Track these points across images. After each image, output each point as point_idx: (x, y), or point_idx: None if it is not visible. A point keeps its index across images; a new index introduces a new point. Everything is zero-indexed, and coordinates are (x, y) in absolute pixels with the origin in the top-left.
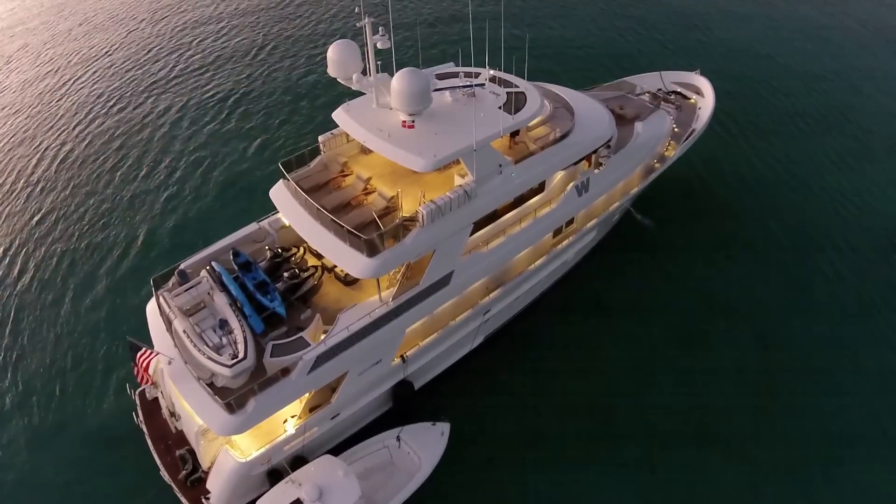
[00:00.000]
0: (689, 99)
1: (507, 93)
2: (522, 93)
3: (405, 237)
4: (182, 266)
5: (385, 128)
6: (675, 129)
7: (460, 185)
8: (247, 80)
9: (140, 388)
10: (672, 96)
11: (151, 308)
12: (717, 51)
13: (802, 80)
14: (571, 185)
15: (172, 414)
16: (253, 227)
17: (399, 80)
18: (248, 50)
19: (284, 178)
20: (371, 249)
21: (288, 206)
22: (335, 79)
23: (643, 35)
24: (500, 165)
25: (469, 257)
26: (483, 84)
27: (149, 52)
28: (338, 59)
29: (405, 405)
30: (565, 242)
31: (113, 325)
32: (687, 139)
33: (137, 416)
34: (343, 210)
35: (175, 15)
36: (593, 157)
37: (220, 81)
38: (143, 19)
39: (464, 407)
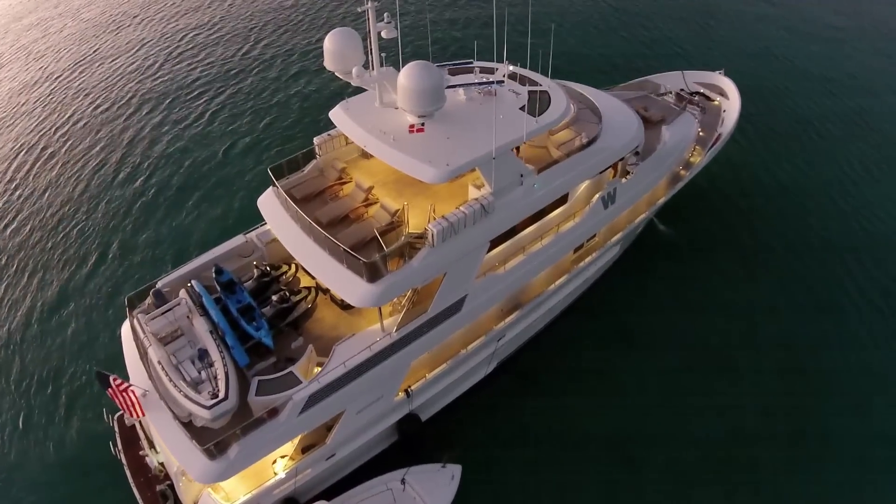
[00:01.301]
0: (713, 100)
1: (529, 92)
2: (546, 92)
3: (412, 259)
4: (159, 284)
5: (389, 130)
6: (700, 133)
7: (476, 199)
8: (235, 75)
9: (119, 413)
10: (695, 97)
11: (126, 330)
12: (729, 51)
13: (819, 83)
14: (597, 196)
15: (152, 445)
16: (239, 239)
17: (407, 76)
18: (237, 40)
19: (274, 185)
20: (372, 273)
21: (277, 218)
22: (333, 73)
23: (654, 34)
24: (522, 175)
25: (484, 280)
26: (502, 81)
27: (135, 45)
28: (336, 49)
29: (412, 439)
30: (588, 259)
31: (87, 342)
32: (714, 145)
33: (116, 444)
34: (340, 224)
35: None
36: (619, 164)
37: (206, 76)
38: (132, 13)
39: (476, 443)
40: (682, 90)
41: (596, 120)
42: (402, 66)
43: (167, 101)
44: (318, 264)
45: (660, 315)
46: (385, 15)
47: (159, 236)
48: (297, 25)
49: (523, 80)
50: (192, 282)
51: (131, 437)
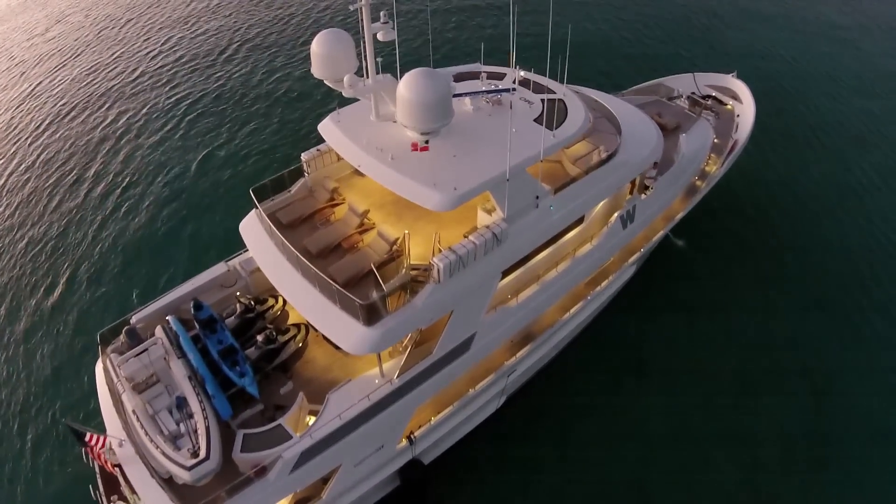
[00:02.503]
0: (726, 104)
1: (543, 101)
2: (561, 101)
3: (415, 296)
4: (133, 320)
5: (387, 147)
6: (715, 140)
7: (487, 226)
8: (217, 80)
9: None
10: (708, 101)
11: (100, 371)
12: (736, 52)
13: (830, 85)
14: (616, 215)
15: (134, 491)
16: (220, 268)
17: (409, 86)
18: (219, 43)
19: (257, 208)
20: (370, 315)
21: (261, 247)
22: (322, 80)
23: (659, 35)
24: (538, 197)
25: (495, 314)
26: (513, 89)
27: (113, 49)
28: (325, 53)
29: (415, 485)
30: (604, 284)
31: (60, 376)
32: (730, 153)
33: (97, 488)
34: (332, 255)
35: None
36: (638, 178)
37: (186, 83)
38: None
39: (483, 486)
40: (693, 94)
41: (614, 130)
42: (401, 74)
43: (145, 109)
44: (306, 302)
45: (673, 341)
46: (381, 14)
47: (133, 259)
48: (282, 25)
49: (535, 87)
50: (169, 318)
51: (113, 481)
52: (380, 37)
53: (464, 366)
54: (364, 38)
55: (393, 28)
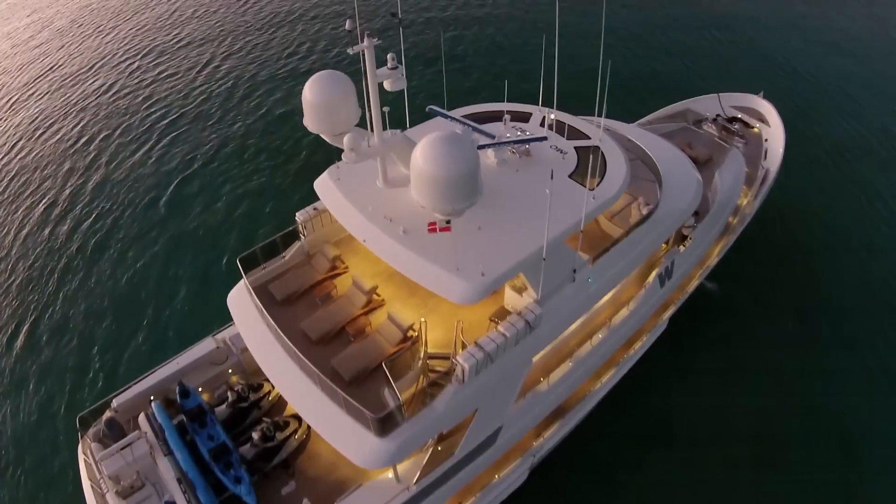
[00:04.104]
0: (753, 127)
1: (577, 149)
2: (597, 148)
3: (434, 398)
4: (114, 404)
5: (398, 216)
6: (745, 170)
7: (518, 313)
8: (198, 98)
9: None
10: (735, 125)
11: (82, 460)
12: (757, 69)
13: (860, 104)
14: (654, 274)
15: None
16: (208, 344)
17: (428, 157)
18: (204, 71)
19: (248, 287)
20: (384, 426)
21: (251, 327)
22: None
23: (670, 49)
24: (574, 270)
25: (524, 402)
26: (545, 138)
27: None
28: (320, 103)
29: None
30: (637, 346)
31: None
32: (762, 184)
33: None
34: (335, 341)
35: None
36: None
37: (162, 107)
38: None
39: None
40: (718, 116)
41: (652, 177)
42: (412, 122)
43: (117, 131)
44: (306, 403)
45: (704, 399)
46: (388, 58)
47: (99, 312)
48: (269, 35)
49: (566, 131)
50: (153, 405)
51: None
52: (387, 86)
53: (489, 459)
54: (367, 88)
55: (402, 75)
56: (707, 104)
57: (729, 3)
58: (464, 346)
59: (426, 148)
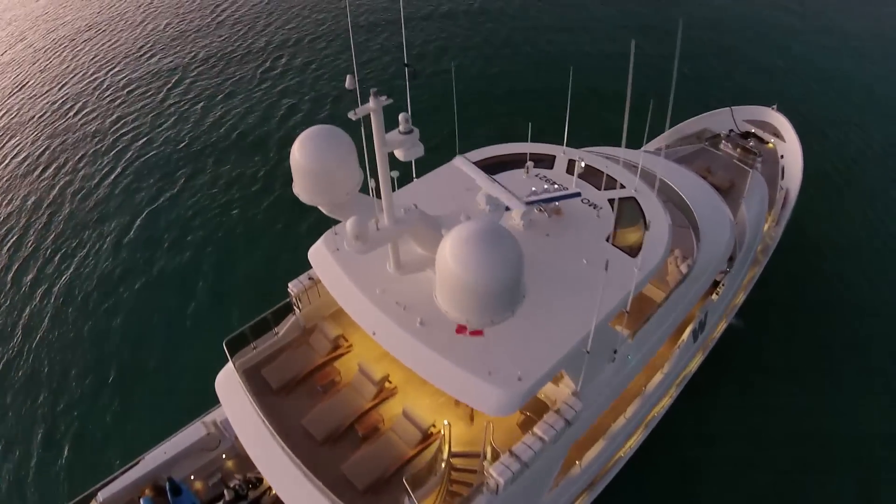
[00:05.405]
0: (767, 143)
1: (612, 202)
2: (633, 199)
3: None
4: (100, 497)
5: (414, 303)
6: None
7: (556, 411)
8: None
9: None
10: (750, 142)
11: None
12: (763, 79)
13: (877, 114)
14: (688, 330)
15: None
16: (198, 430)
17: (460, 260)
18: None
19: (239, 375)
20: None
21: (244, 420)
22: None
23: (667, 57)
24: (615, 351)
25: (556, 490)
26: (577, 193)
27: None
28: (314, 168)
29: None
30: (665, 402)
31: None
32: (784, 207)
33: None
34: (343, 439)
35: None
36: None
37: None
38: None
39: None
40: (731, 131)
41: (685, 222)
42: (417, 171)
43: (80, 159)
44: None
45: (730, 448)
46: (401, 118)
47: (82, 399)
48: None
49: (598, 179)
50: (142, 501)
51: None
52: (400, 155)
53: None
54: (378, 160)
55: (416, 137)
56: (721, 119)
57: (734, 7)
58: (493, 448)
59: (459, 248)
